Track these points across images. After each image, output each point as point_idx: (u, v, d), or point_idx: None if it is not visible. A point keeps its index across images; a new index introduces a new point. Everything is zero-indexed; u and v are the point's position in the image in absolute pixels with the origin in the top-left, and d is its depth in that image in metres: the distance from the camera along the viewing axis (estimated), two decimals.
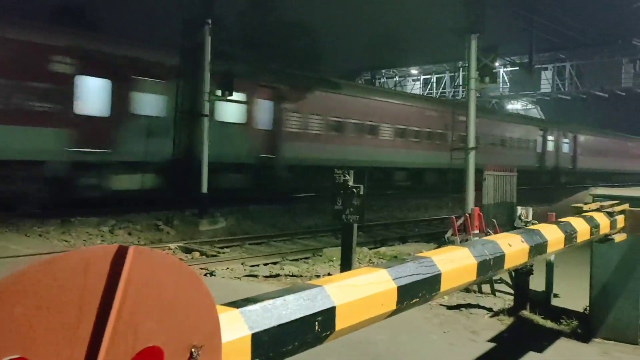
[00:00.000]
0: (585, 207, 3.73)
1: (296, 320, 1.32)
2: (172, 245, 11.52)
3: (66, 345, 0.81)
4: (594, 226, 3.42)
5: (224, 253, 11.21)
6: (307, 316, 1.35)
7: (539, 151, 35.79)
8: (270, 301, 1.30)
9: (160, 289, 0.91)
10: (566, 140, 39.22)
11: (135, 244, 11.84)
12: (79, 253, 0.83)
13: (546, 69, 36.45)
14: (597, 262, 4.94)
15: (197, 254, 11.03)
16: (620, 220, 3.98)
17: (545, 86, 37.26)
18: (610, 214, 3.82)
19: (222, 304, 1.23)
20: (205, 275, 8.23)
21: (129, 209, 14.42)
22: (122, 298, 0.84)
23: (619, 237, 4.00)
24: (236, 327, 1.18)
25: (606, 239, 3.88)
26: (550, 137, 36.94)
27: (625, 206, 4.21)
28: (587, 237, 3.31)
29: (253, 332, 1.21)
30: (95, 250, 0.85)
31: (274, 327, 1.25)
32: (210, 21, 15.12)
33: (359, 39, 52.35)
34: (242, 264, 9.86)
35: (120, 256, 0.86)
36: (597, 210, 3.79)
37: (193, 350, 0.96)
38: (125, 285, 0.85)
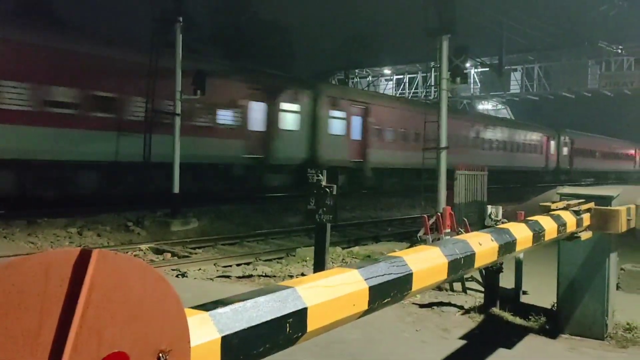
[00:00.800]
0: (553, 206, 3.81)
1: (267, 322, 1.30)
2: (142, 247, 11.34)
3: (27, 352, 0.78)
4: (561, 224, 3.50)
5: (196, 254, 11.08)
6: (278, 318, 1.34)
7: (302, 133, 21.02)
8: (241, 303, 1.29)
9: (126, 293, 0.88)
10: (373, 120, 23.91)
11: (104, 245, 11.65)
12: (40, 257, 0.80)
13: (515, 70, 37.24)
14: (564, 259, 5.05)
15: (168, 255, 10.88)
16: (586, 218, 4.08)
17: (515, 87, 38.07)
18: (576, 213, 3.92)
19: (191, 307, 1.21)
20: (177, 276, 8.11)
21: (98, 210, 14.14)
22: (86, 303, 0.82)
23: (585, 235, 4.11)
24: (205, 331, 1.16)
25: (573, 236, 3.97)
26: (339, 114, 22.13)
27: (591, 205, 4.32)
28: (554, 235, 3.38)
29: (223, 335, 1.19)
30: (57, 254, 0.83)
31: (244, 330, 1.24)
32: (181, 19, 14.94)
33: (332, 39, 52.62)
34: (214, 264, 9.77)
35: (83, 260, 0.84)
36: (564, 209, 3.87)
37: (160, 355, 0.94)
38: (88, 290, 0.82)
